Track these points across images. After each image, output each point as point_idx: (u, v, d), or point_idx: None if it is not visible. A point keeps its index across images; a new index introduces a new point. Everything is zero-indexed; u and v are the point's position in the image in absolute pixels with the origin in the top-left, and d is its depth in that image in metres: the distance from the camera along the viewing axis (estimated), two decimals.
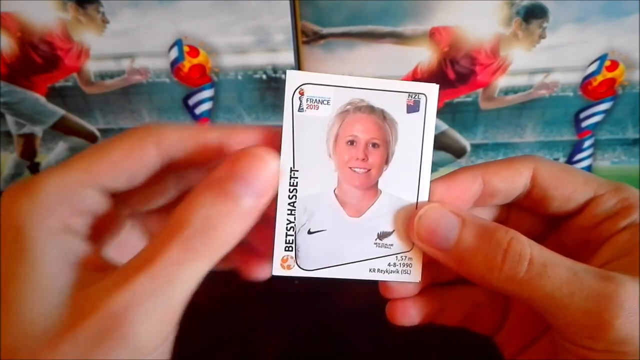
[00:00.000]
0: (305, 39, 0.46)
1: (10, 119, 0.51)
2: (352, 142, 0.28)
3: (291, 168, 0.27)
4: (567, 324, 0.25)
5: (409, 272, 0.29)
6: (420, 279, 0.29)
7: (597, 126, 0.50)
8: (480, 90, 0.48)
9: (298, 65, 0.48)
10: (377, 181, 0.28)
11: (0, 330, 0.23)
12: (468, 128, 0.51)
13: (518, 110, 0.50)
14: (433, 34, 0.46)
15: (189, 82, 0.49)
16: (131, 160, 0.26)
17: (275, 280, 0.52)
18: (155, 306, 0.23)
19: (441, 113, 0.49)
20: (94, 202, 0.26)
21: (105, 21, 0.46)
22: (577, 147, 0.51)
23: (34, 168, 0.54)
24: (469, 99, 0.49)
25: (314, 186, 0.28)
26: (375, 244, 0.28)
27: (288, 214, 0.28)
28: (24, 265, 0.23)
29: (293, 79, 0.27)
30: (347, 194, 0.28)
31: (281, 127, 0.27)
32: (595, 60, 0.47)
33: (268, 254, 0.28)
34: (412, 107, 0.28)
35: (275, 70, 0.48)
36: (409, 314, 0.31)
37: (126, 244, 0.30)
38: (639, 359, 0.24)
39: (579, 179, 0.29)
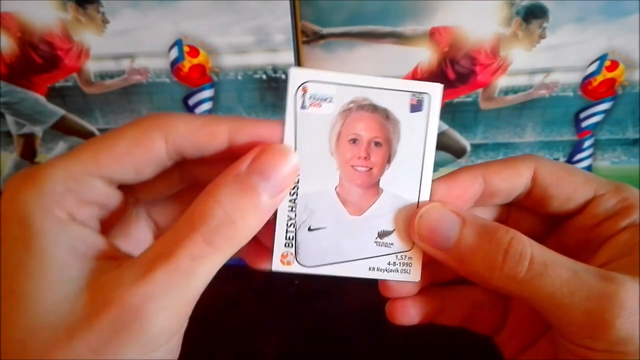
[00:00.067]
0: (305, 39, 0.46)
1: (10, 119, 0.51)
2: (354, 141, 0.28)
3: None
4: (568, 324, 0.25)
5: (408, 271, 0.29)
6: (419, 279, 0.29)
7: (597, 126, 0.50)
8: (480, 90, 0.48)
9: (298, 65, 0.48)
10: (379, 180, 0.28)
11: (8, 324, 0.23)
12: (468, 128, 0.51)
13: (518, 110, 0.50)
14: (433, 34, 0.46)
15: (189, 82, 0.49)
16: (138, 152, 0.25)
17: (275, 281, 0.52)
18: (172, 300, 0.23)
19: (441, 113, 0.49)
20: (100, 193, 0.26)
21: (105, 21, 0.46)
22: (577, 147, 0.51)
23: None
24: (469, 99, 0.49)
25: (316, 184, 0.28)
26: (376, 242, 0.28)
27: (289, 211, 0.28)
28: (32, 256, 0.23)
29: (296, 76, 0.27)
30: (348, 192, 0.28)
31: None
32: (595, 60, 0.47)
33: (271, 247, 0.28)
34: (416, 107, 0.27)
35: (275, 70, 0.48)
36: (409, 313, 0.31)
37: (131, 233, 0.30)
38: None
39: (579, 179, 0.29)
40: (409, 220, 0.28)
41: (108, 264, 0.24)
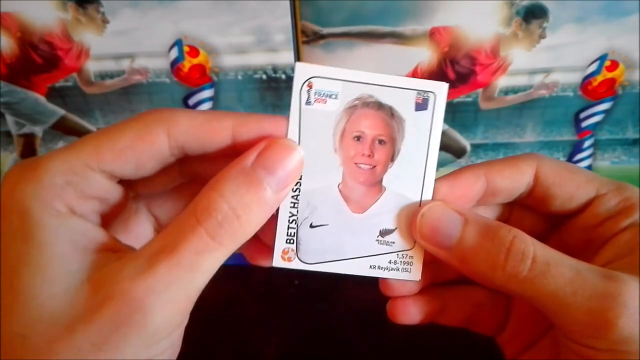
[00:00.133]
0: (305, 39, 0.46)
1: (10, 119, 0.51)
2: (358, 138, 0.28)
3: None
4: (570, 323, 0.25)
5: (409, 270, 0.29)
6: (420, 278, 0.29)
7: (597, 126, 0.50)
8: (480, 90, 0.48)
9: None
10: (382, 178, 0.28)
11: (8, 318, 0.22)
12: (468, 128, 0.51)
13: (518, 110, 0.50)
14: (433, 34, 0.46)
15: (189, 82, 0.49)
16: (140, 147, 0.25)
17: (275, 281, 0.52)
18: (174, 294, 0.23)
19: None
20: (101, 187, 0.25)
21: (105, 21, 0.46)
22: (577, 147, 0.51)
23: None
24: (469, 99, 0.49)
25: (318, 180, 0.28)
26: (377, 240, 0.28)
27: (291, 207, 0.28)
28: (31, 250, 0.23)
29: (302, 72, 0.27)
30: (351, 190, 0.28)
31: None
32: (595, 60, 0.47)
33: (271, 244, 0.28)
34: (421, 105, 0.27)
35: (275, 70, 0.48)
36: (410, 313, 0.31)
37: (131, 227, 0.30)
38: None
39: (581, 178, 0.29)
40: (411, 219, 0.28)
41: (109, 256, 0.24)
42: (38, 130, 0.52)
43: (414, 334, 0.35)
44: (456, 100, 0.49)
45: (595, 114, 0.49)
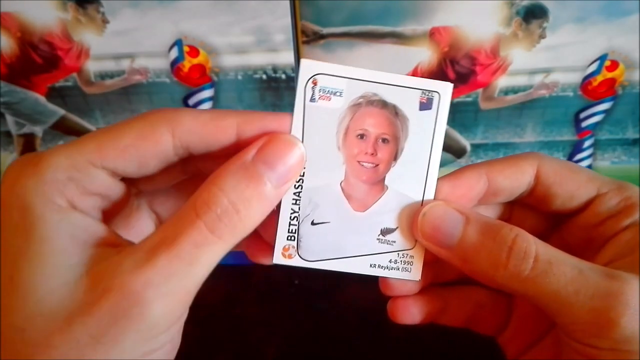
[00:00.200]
0: (305, 39, 0.46)
1: (10, 119, 0.51)
2: (362, 136, 0.28)
3: None
4: (573, 322, 0.25)
5: (409, 269, 0.29)
6: (420, 278, 0.29)
7: (597, 126, 0.50)
8: (480, 90, 0.49)
9: (298, 66, 0.48)
10: (384, 177, 0.28)
11: (8, 311, 0.22)
12: (468, 128, 0.51)
13: (518, 110, 0.50)
14: (433, 34, 0.46)
15: (189, 82, 0.49)
16: (144, 145, 0.25)
17: (275, 280, 0.52)
18: (173, 287, 0.23)
19: None
20: (103, 184, 0.26)
21: (105, 21, 0.46)
22: (577, 147, 0.51)
23: None
24: (469, 99, 0.49)
25: (321, 178, 0.28)
26: (378, 239, 0.28)
27: (293, 204, 0.28)
28: (31, 244, 0.23)
29: (307, 68, 0.27)
30: (353, 188, 0.28)
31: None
32: (595, 60, 0.47)
33: (272, 241, 0.28)
34: (425, 105, 0.27)
35: (275, 70, 0.48)
36: (410, 312, 0.31)
37: (132, 224, 0.30)
38: None
39: (582, 177, 0.29)
40: (412, 219, 0.28)
41: (109, 250, 0.24)
42: (38, 130, 0.52)
43: (414, 334, 0.35)
44: (456, 100, 0.49)
45: (595, 114, 0.49)
